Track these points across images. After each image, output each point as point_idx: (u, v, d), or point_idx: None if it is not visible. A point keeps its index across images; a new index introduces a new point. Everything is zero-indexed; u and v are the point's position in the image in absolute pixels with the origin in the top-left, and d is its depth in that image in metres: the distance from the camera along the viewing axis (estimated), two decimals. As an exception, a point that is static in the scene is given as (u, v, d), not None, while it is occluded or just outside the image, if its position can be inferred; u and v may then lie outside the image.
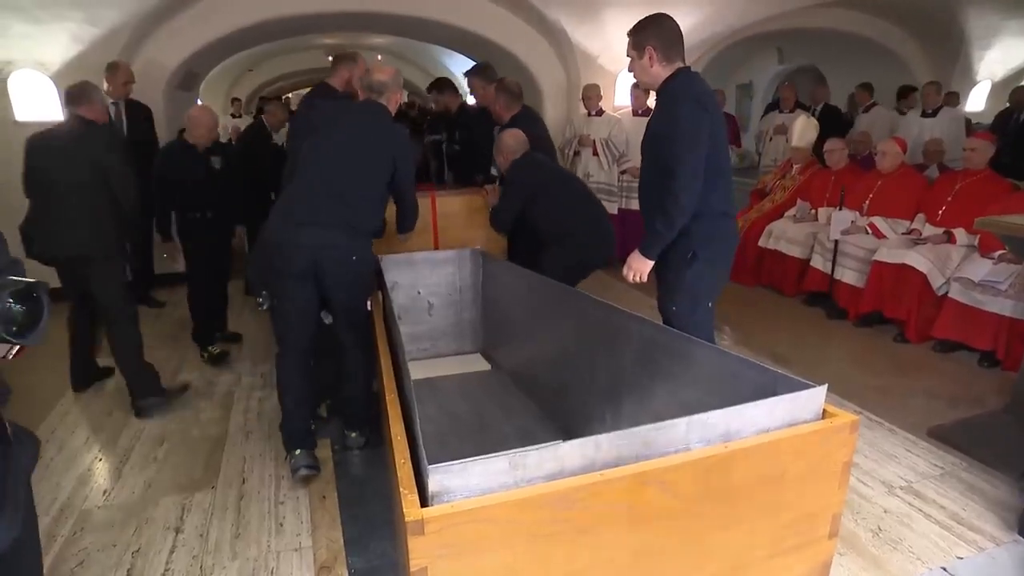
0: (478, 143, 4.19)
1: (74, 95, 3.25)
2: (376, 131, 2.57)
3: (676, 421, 1.29)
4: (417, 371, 3.23)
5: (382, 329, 2.50)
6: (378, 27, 6.85)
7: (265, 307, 2.75)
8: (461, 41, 6.43)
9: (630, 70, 2.41)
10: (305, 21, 5.62)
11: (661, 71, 2.31)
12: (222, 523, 2.40)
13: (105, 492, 2.60)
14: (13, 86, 4.69)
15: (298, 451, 2.61)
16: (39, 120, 4.74)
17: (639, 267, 2.38)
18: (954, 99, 6.69)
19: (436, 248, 3.61)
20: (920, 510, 2.43)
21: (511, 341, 3.24)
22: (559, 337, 2.69)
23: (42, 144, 3.10)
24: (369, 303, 2.71)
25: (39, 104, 4.76)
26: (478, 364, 3.39)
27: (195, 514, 2.45)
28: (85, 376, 3.56)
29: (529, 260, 3.28)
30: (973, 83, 7.24)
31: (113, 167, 3.11)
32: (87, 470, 2.76)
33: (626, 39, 2.37)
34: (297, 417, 2.64)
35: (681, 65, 2.33)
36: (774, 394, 1.42)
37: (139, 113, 4.69)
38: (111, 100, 4.43)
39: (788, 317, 4.66)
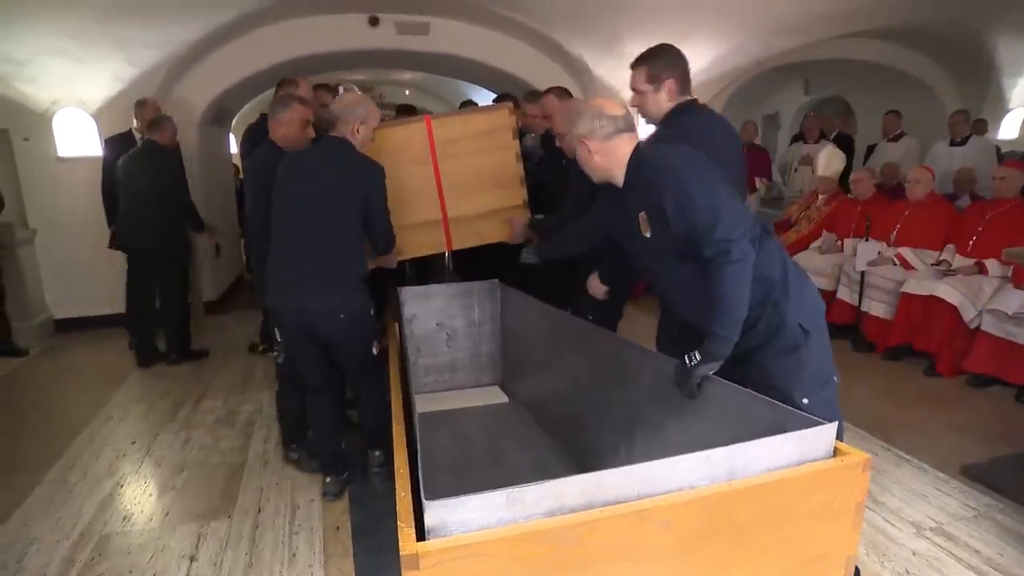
0: (545, 182, 3.31)
1: (151, 124, 4.27)
2: (341, 171, 2.45)
3: (679, 458, 1.27)
4: (435, 403, 3.24)
5: (395, 361, 2.52)
6: (404, 63, 7.04)
7: (280, 360, 2.85)
8: (484, 76, 6.56)
9: (636, 104, 2.27)
10: (332, 59, 5.81)
11: (670, 104, 2.22)
12: (236, 552, 2.41)
13: (124, 518, 2.64)
14: (57, 124, 4.92)
15: (328, 478, 2.74)
16: (81, 155, 4.98)
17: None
18: (982, 127, 6.55)
19: (440, 190, 3.09)
20: (951, 553, 2.33)
21: (529, 374, 3.22)
22: (576, 371, 2.68)
23: (125, 160, 4.22)
24: (376, 346, 2.68)
25: (81, 140, 4.98)
26: (496, 397, 3.37)
27: (210, 542, 2.47)
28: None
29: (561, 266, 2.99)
30: (1005, 111, 7.11)
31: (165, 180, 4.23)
32: (108, 496, 2.80)
33: (636, 71, 2.24)
34: (330, 444, 2.76)
35: (690, 97, 2.25)
36: (784, 431, 1.39)
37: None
38: (139, 135, 4.56)
39: (814, 350, 4.56)
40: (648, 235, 1.86)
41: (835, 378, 1.92)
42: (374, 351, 2.65)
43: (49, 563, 2.35)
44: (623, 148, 1.88)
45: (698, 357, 1.71)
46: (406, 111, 5.36)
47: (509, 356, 3.43)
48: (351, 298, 2.51)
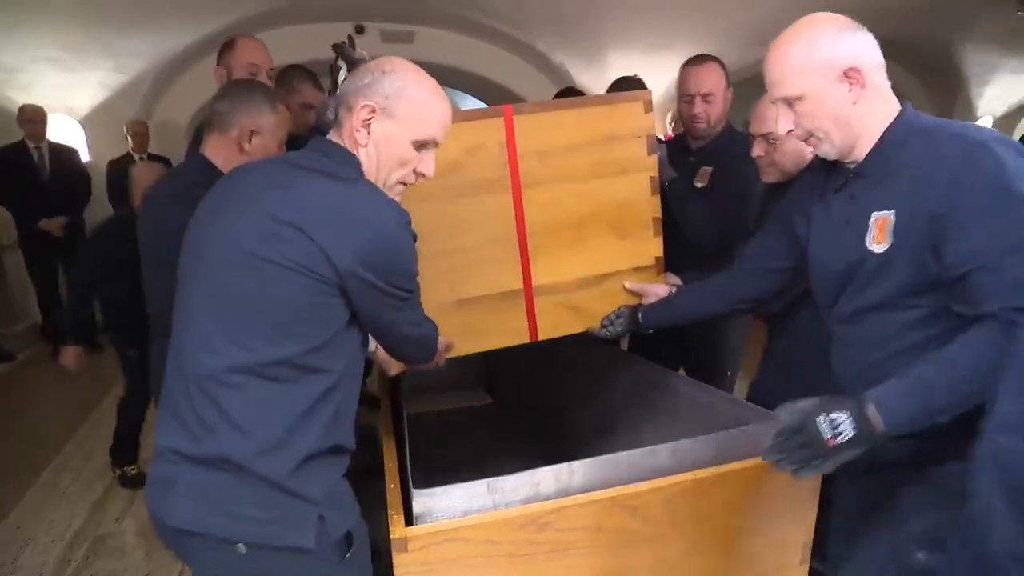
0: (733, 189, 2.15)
1: None
2: (277, 219, 1.06)
3: (647, 449, 1.38)
4: (419, 404, 3.31)
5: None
6: (391, 70, 7.14)
7: None
8: (469, 84, 6.68)
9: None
10: (319, 67, 5.88)
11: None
12: (228, 550, 2.48)
13: (117, 519, 2.70)
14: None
15: None
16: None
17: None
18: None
19: (522, 239, 1.79)
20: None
21: (513, 376, 3.32)
22: (558, 373, 2.78)
23: None
24: None
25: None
26: (480, 398, 3.46)
27: (203, 541, 2.54)
28: None
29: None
30: (974, 119, 7.36)
31: None
32: (101, 497, 2.87)
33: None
34: None
35: None
36: (746, 425, 1.50)
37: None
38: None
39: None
40: (880, 249, 1.20)
41: None
42: None
43: (44, 563, 2.41)
44: (883, 108, 1.27)
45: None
46: None
47: (493, 358, 3.53)
48: (274, 505, 1.09)
